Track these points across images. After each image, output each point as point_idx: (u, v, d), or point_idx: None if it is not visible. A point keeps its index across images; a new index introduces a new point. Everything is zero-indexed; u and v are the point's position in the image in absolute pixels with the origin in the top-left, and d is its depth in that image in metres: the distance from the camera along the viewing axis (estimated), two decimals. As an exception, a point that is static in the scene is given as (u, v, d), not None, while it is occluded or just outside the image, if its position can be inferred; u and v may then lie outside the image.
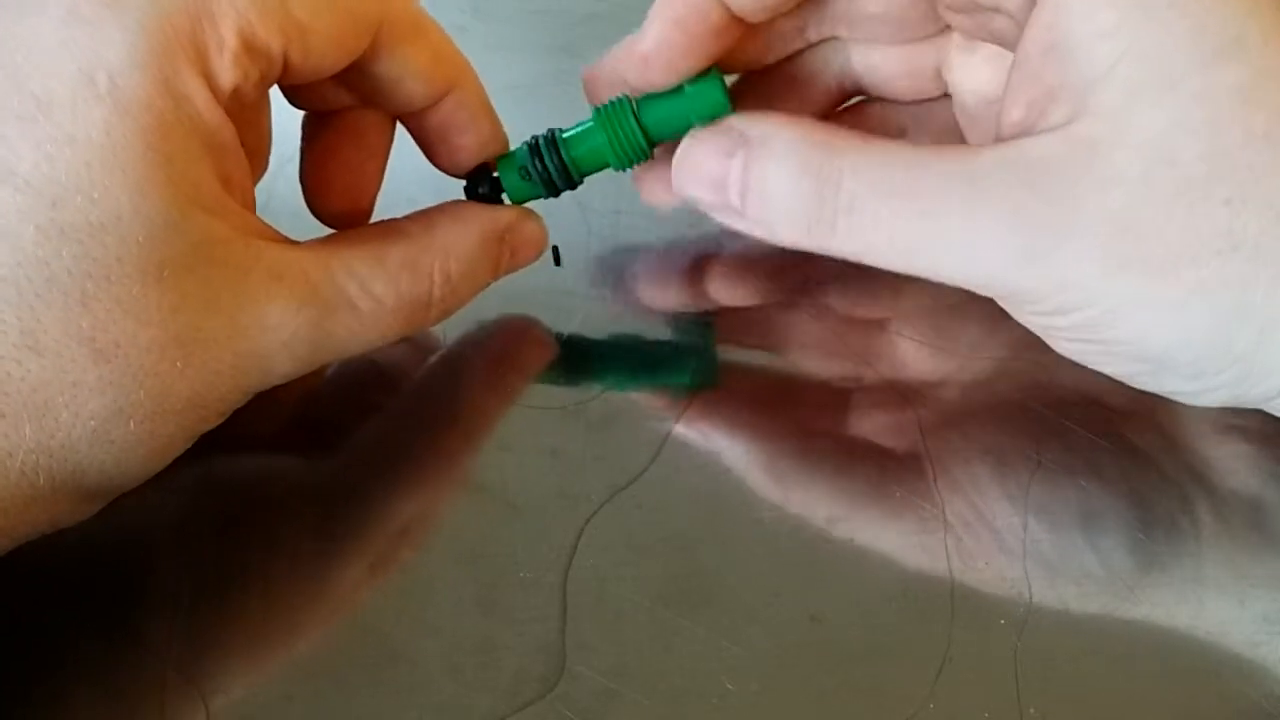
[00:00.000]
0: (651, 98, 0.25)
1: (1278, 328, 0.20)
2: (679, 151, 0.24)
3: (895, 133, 0.28)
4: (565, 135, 0.26)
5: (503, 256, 0.25)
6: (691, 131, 0.24)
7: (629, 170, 0.26)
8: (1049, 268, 0.20)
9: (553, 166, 0.25)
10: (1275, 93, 0.19)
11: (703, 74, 0.25)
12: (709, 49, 0.24)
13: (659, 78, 0.24)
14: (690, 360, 0.27)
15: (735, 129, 0.23)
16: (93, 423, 0.18)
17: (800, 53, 0.27)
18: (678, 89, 0.25)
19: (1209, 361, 0.21)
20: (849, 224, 0.22)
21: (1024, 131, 0.21)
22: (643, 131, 0.25)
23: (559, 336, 0.28)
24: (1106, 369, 0.22)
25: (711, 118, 0.24)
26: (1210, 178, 0.19)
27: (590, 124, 0.25)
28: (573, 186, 0.26)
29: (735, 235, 0.30)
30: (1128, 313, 0.20)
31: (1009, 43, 0.23)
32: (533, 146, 0.25)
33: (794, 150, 0.22)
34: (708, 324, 0.28)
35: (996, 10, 0.22)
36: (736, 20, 0.24)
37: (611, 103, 0.25)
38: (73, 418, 0.18)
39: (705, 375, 0.26)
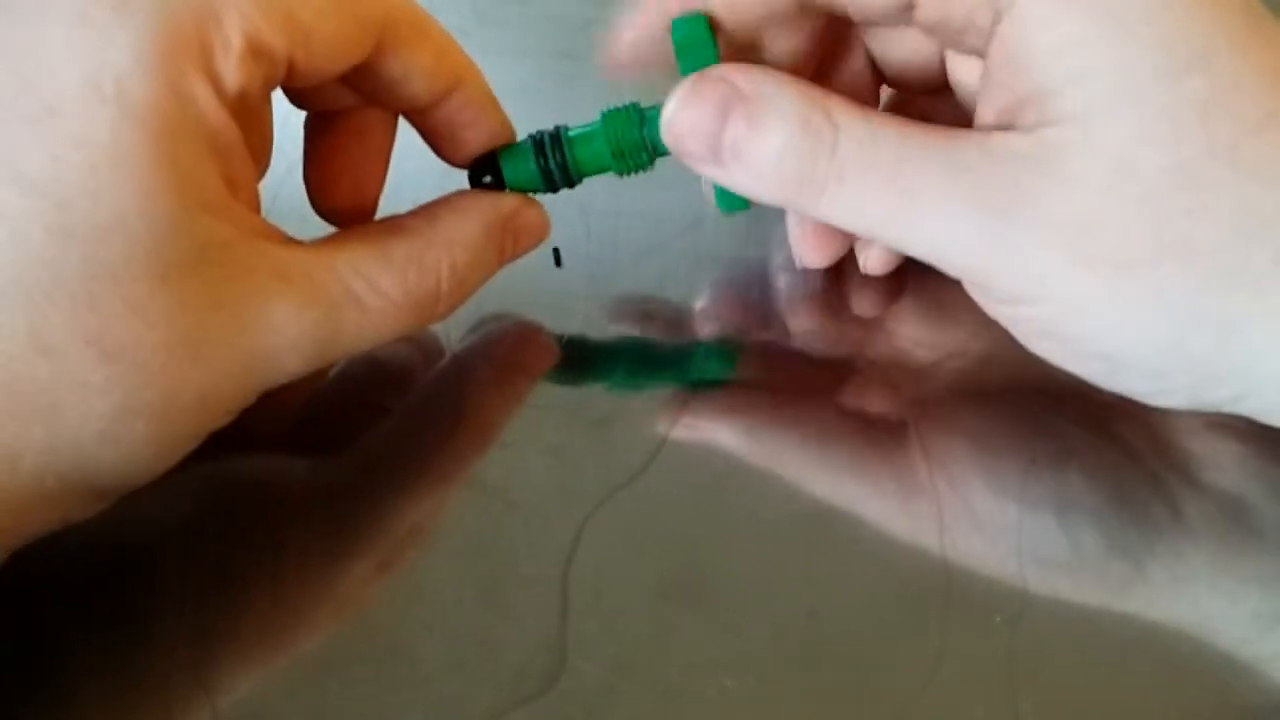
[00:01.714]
0: (656, 108, 0.25)
1: (1234, 334, 0.20)
2: (670, 102, 0.23)
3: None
4: (571, 134, 0.26)
5: (506, 244, 0.25)
6: (683, 82, 0.23)
7: (626, 177, 0.26)
8: (1013, 255, 0.21)
9: (555, 164, 0.26)
10: (1239, 105, 0.19)
11: (686, 20, 0.24)
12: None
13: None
14: (691, 360, 0.27)
15: (729, 81, 0.23)
16: (101, 423, 0.19)
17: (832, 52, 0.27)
18: None
19: (1165, 363, 0.21)
20: (836, 190, 0.22)
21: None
22: (645, 143, 0.25)
23: (559, 337, 0.28)
24: (1070, 367, 0.23)
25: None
26: (1172, 189, 0.19)
27: (597, 127, 0.26)
28: (571, 185, 0.26)
29: (732, 235, 0.30)
30: (1086, 308, 0.21)
31: (983, 53, 0.23)
32: (538, 142, 0.26)
33: (796, 109, 0.22)
34: (708, 324, 0.28)
35: (968, 31, 0.22)
36: None
37: (619, 109, 0.25)
38: (80, 418, 0.18)
39: (707, 372, 0.27)
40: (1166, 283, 0.20)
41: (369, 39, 0.22)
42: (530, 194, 0.26)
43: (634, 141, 0.25)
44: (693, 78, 0.23)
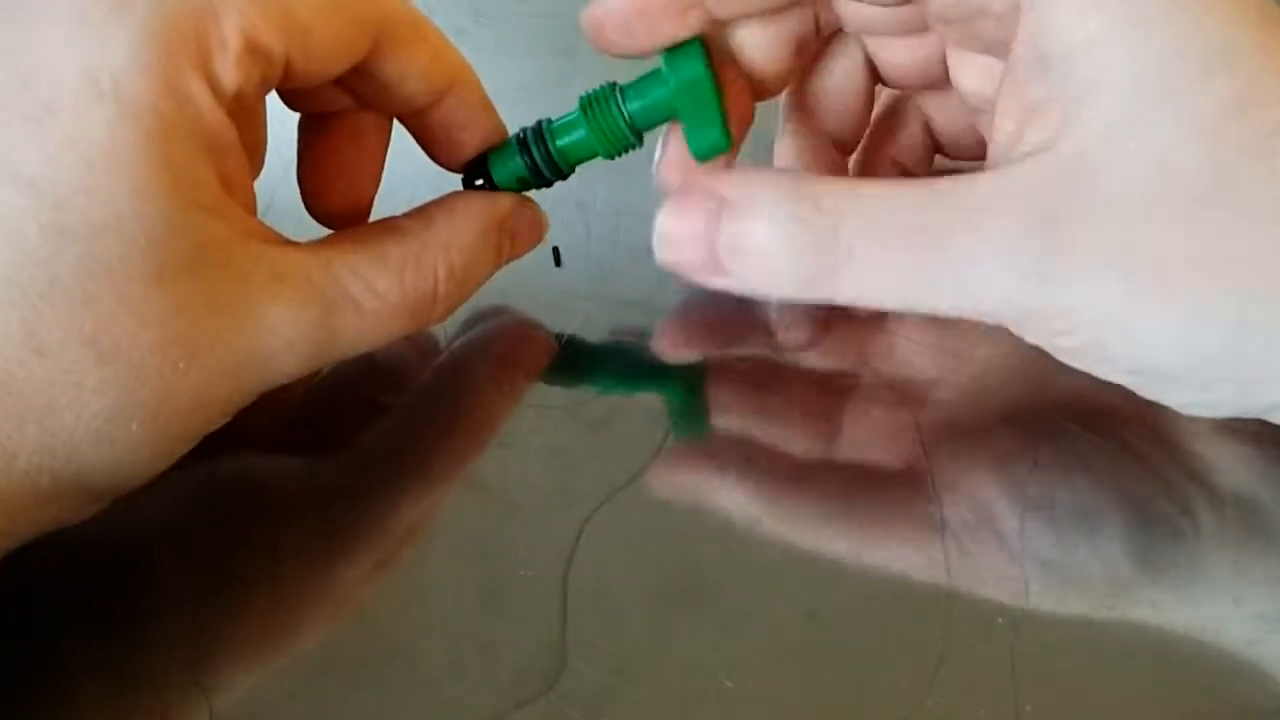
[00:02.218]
0: (634, 84, 0.25)
1: None
2: (658, 222, 0.24)
3: (922, 123, 0.28)
4: (552, 126, 0.26)
5: (504, 244, 0.25)
6: (665, 204, 0.24)
7: (618, 158, 0.26)
8: (1053, 292, 0.20)
9: (540, 158, 0.25)
10: (1267, 102, 0.19)
11: (681, 45, 0.24)
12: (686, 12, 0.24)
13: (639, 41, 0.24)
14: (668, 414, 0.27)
15: (710, 191, 0.23)
16: (95, 424, 0.18)
17: (823, 51, 0.27)
18: (656, 71, 0.25)
19: (1216, 374, 0.21)
20: (851, 271, 0.22)
21: (1018, 142, 0.21)
22: (626, 120, 0.25)
23: (559, 337, 0.28)
24: (1112, 379, 0.22)
25: (695, 97, 0.24)
26: (1210, 192, 0.19)
27: (576, 114, 0.25)
28: (563, 176, 0.26)
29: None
30: (1133, 331, 0.20)
31: (999, 52, 0.23)
32: (520, 139, 0.26)
33: (782, 206, 0.22)
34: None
35: (982, 19, 0.22)
36: None
37: (596, 91, 0.25)
38: (75, 419, 0.18)
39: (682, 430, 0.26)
40: (1210, 293, 0.20)
41: (366, 40, 0.22)
42: (526, 193, 0.26)
43: (615, 121, 0.25)
44: (675, 193, 0.24)
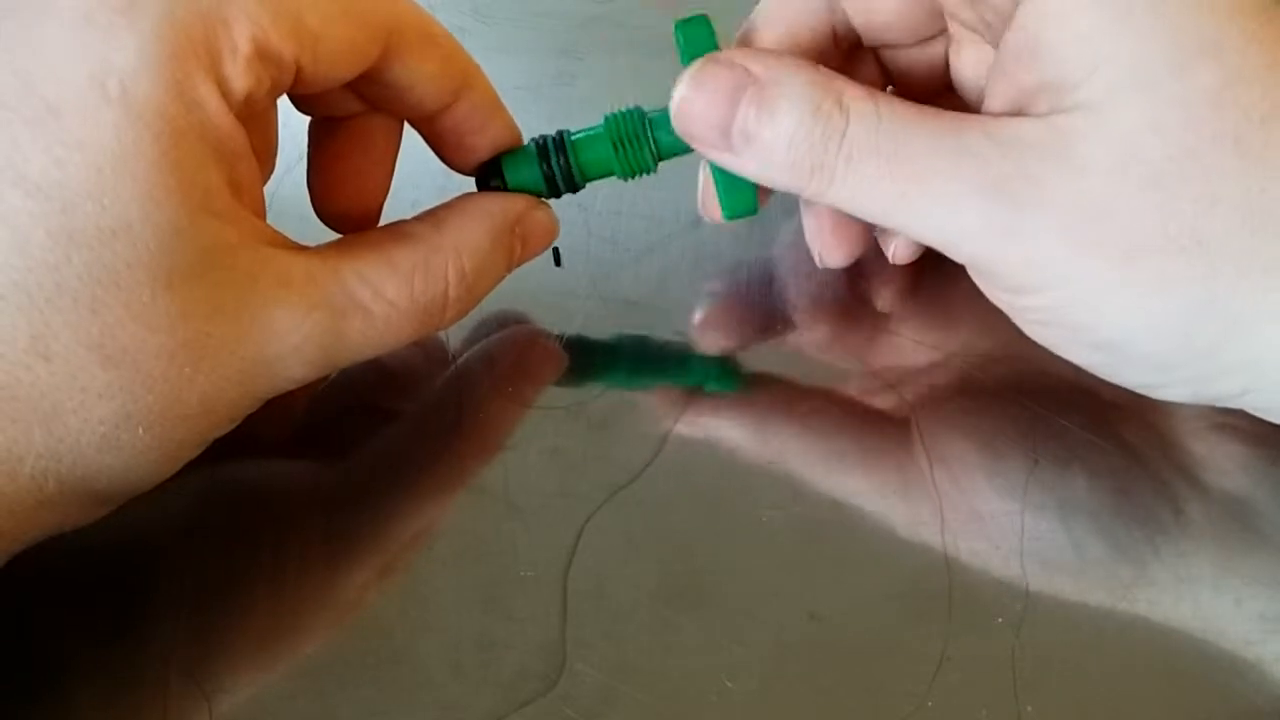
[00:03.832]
0: (665, 115, 0.24)
1: (1243, 325, 0.20)
2: (681, 86, 0.23)
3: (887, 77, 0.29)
4: (574, 138, 0.25)
5: (515, 248, 0.25)
6: (692, 65, 0.23)
7: (632, 180, 0.26)
8: (1019, 243, 0.21)
9: (558, 168, 0.25)
10: (1248, 95, 0.19)
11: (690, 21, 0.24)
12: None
13: None
14: (693, 371, 0.27)
15: (741, 66, 0.22)
16: (102, 428, 0.18)
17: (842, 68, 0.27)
18: None
19: (1170, 355, 0.21)
20: (845, 175, 0.22)
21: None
22: (653, 149, 0.25)
23: (560, 337, 0.28)
24: (1074, 357, 0.23)
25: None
26: (1179, 177, 0.19)
27: (600, 130, 0.25)
28: (575, 189, 0.26)
29: (733, 236, 0.30)
30: (1091, 297, 0.21)
31: (996, 39, 0.23)
32: (541, 146, 0.25)
33: (808, 93, 0.22)
34: (708, 331, 0.28)
35: (984, 4, 0.22)
36: None
37: (623, 114, 0.25)
38: (81, 423, 0.18)
39: (710, 384, 0.26)
40: (1175, 272, 0.20)
41: (376, 46, 0.22)
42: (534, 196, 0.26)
43: (638, 144, 0.25)
44: (702, 60, 0.23)
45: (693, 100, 0.23)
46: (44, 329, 0.18)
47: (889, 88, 0.28)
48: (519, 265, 0.26)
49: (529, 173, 0.25)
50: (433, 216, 0.24)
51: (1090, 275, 0.20)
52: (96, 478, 0.19)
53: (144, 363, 0.19)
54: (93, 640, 0.21)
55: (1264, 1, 0.20)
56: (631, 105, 0.25)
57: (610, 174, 0.26)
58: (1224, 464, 0.24)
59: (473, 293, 0.24)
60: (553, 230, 0.26)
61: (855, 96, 0.22)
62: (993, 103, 0.22)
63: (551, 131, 0.26)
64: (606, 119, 0.25)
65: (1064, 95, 0.20)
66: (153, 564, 0.22)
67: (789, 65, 0.22)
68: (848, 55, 0.27)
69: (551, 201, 0.26)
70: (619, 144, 0.25)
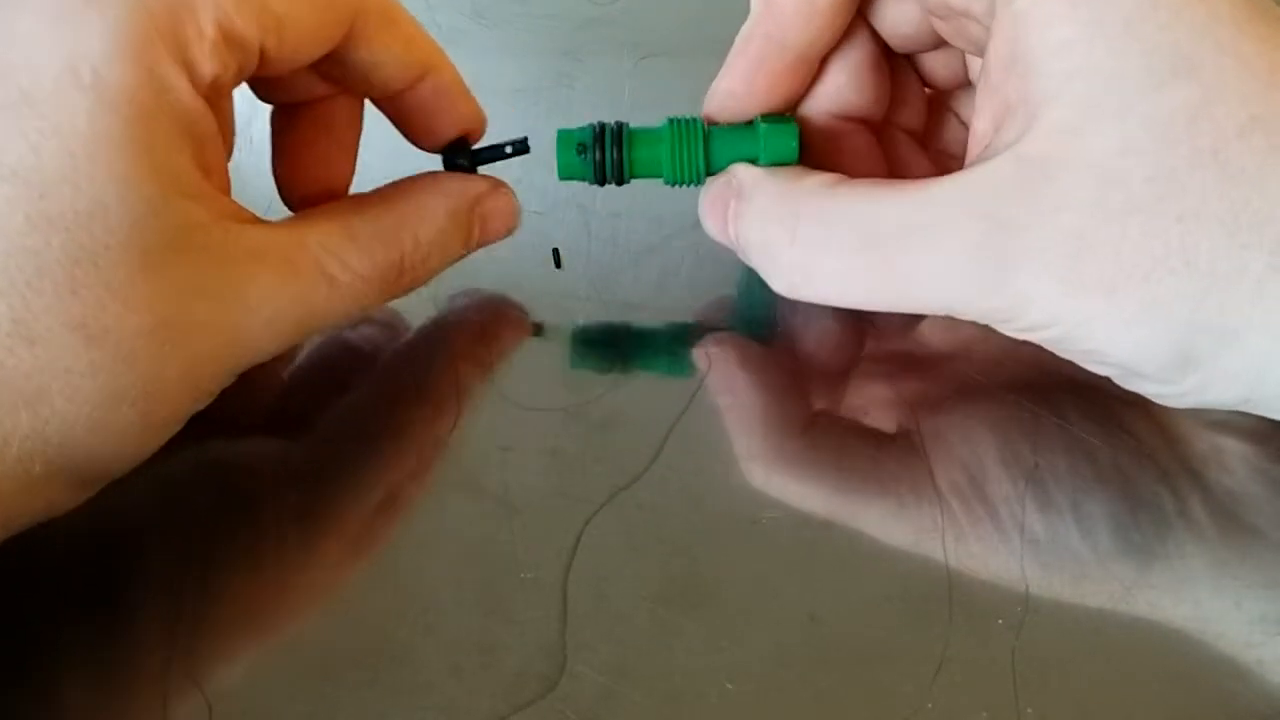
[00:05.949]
0: (725, 130, 0.25)
1: (1237, 340, 0.20)
2: (703, 191, 0.26)
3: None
4: (634, 131, 0.26)
5: (473, 227, 0.26)
6: (708, 181, 0.26)
7: (676, 186, 0.27)
8: (1011, 292, 0.21)
9: (610, 157, 0.26)
10: (1224, 109, 0.19)
11: (781, 117, 0.25)
12: (787, 89, 0.26)
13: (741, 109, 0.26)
14: (693, 362, 0.27)
15: (734, 179, 0.25)
16: (87, 408, 0.19)
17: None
18: (751, 125, 0.25)
19: (1170, 371, 0.21)
20: (811, 269, 0.23)
21: (990, 140, 0.22)
22: (705, 158, 0.26)
23: (537, 325, 0.28)
24: (1089, 368, 0.23)
25: (776, 163, 0.25)
26: (1160, 198, 0.19)
27: (662, 131, 0.26)
28: (619, 183, 0.26)
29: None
30: (1089, 329, 0.21)
31: (981, 52, 0.23)
32: (598, 132, 0.26)
33: (766, 202, 0.24)
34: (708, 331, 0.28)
35: (965, 18, 0.23)
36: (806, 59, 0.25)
37: (686, 120, 0.26)
38: (66, 404, 0.19)
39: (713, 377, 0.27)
40: (1164, 296, 0.20)
41: (340, 28, 0.23)
42: (577, 180, 0.27)
43: (696, 157, 0.25)
44: (716, 176, 0.26)
45: (704, 204, 0.26)
46: (25, 312, 0.18)
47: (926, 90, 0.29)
48: (478, 247, 0.27)
49: (579, 156, 0.26)
50: (395, 189, 0.25)
51: (1079, 311, 0.21)
52: (83, 458, 0.19)
53: (125, 341, 0.19)
54: (78, 627, 0.21)
55: (1243, 7, 0.20)
56: (689, 115, 0.26)
57: (657, 176, 0.26)
58: (1228, 465, 0.24)
59: (427, 264, 0.25)
60: (513, 215, 0.27)
61: (808, 194, 0.24)
62: (980, 118, 0.22)
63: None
64: (670, 122, 0.26)
65: (1039, 109, 0.20)
66: (139, 556, 0.22)
67: (766, 178, 0.25)
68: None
69: (552, 203, 0.27)
70: (675, 148, 0.25)
